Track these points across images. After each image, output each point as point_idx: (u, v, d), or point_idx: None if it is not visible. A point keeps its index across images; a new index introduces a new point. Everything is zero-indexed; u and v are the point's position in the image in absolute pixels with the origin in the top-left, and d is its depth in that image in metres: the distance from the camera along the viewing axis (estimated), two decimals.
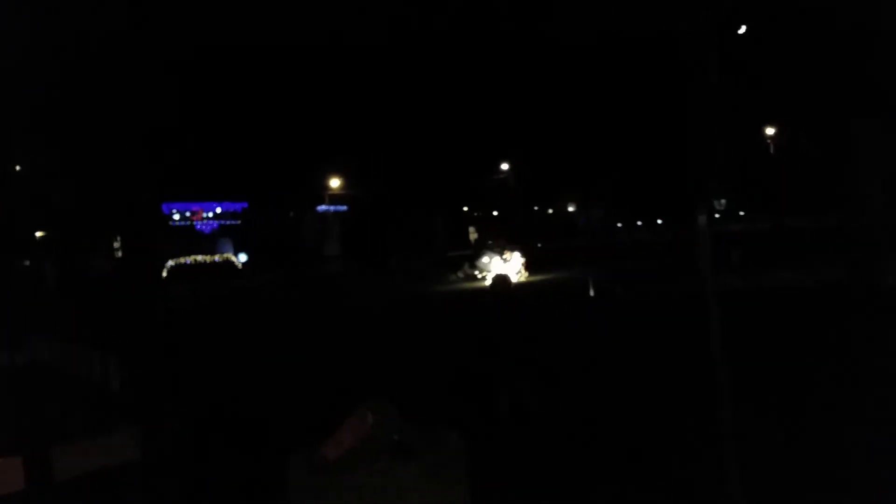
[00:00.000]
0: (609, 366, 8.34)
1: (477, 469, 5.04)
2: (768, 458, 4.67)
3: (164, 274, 45.51)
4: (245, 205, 61.65)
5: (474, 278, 26.03)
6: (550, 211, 66.60)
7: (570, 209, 63.85)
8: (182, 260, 47.69)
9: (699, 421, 5.45)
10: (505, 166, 53.90)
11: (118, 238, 45.34)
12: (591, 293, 16.65)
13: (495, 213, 65.03)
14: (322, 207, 53.86)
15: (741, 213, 58.73)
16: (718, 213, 60.46)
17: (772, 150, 44.22)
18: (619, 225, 63.08)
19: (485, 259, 26.89)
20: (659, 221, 59.09)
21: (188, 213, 61.50)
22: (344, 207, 58.94)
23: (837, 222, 18.81)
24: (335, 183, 53.40)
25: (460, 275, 27.39)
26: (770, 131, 43.88)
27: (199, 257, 51.58)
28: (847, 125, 13.33)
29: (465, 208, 65.89)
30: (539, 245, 44.38)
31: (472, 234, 66.07)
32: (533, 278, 24.99)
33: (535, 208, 68.00)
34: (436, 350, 10.18)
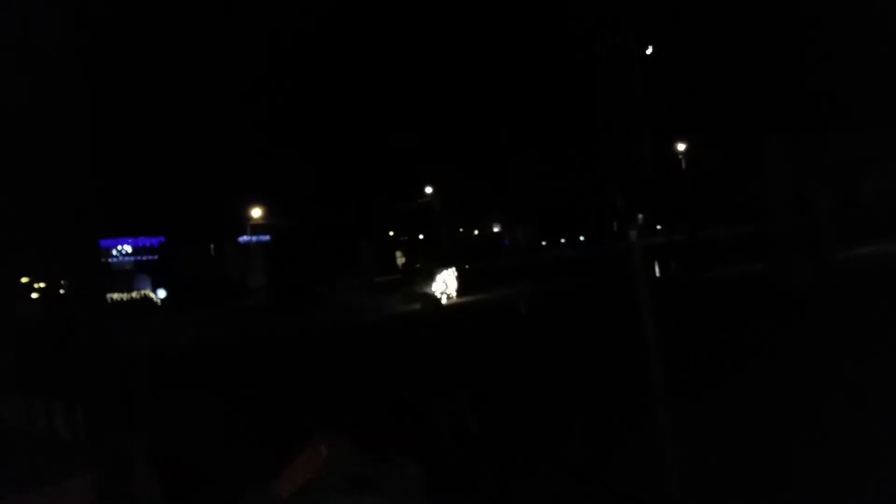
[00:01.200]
0: (546, 381, 8.31)
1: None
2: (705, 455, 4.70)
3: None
4: (161, 239, 59.46)
5: (414, 301, 25.72)
6: (476, 232, 67.18)
7: (496, 230, 64.63)
8: None
9: (637, 428, 5.48)
10: (429, 190, 54.10)
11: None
12: (523, 311, 16.76)
13: (421, 236, 65.06)
14: (244, 238, 52.50)
15: (658, 227, 60.94)
16: (637, 227, 62.46)
17: (684, 166, 46.23)
18: (544, 243, 64.26)
19: (425, 282, 26.69)
20: (581, 238, 60.62)
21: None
22: (267, 237, 57.63)
23: (752, 231, 19.76)
24: (256, 213, 52.19)
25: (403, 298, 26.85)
26: (681, 147, 45.90)
27: (115, 295, 49.41)
28: (758, 140, 14.02)
29: (392, 233, 65.64)
30: (467, 266, 44.56)
31: (400, 259, 65.97)
32: (463, 299, 25.00)
33: (461, 230, 68.46)
34: (374, 378, 9.90)
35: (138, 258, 59.46)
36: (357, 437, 2.63)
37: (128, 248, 59.24)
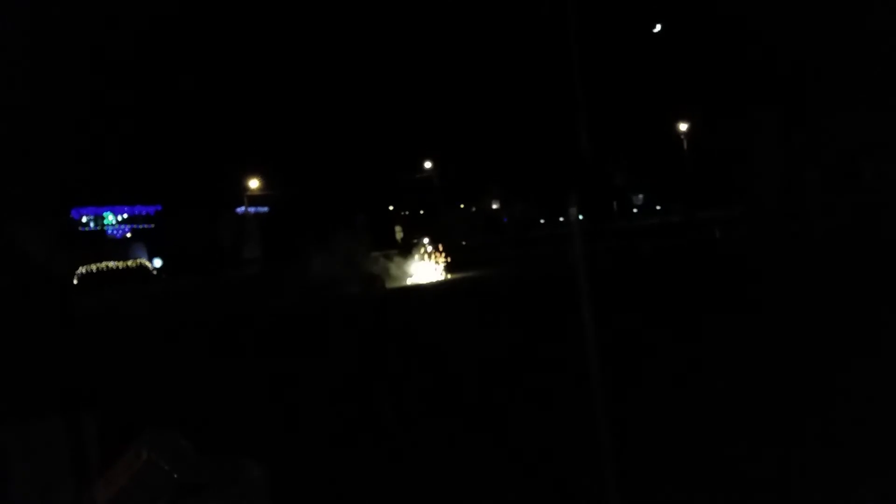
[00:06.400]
0: (502, 363, 8.05)
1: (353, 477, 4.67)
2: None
3: (75, 282, 42.97)
4: (158, 207, 59.21)
5: (393, 279, 25.46)
6: (474, 209, 66.68)
7: (494, 206, 64.15)
8: (93, 266, 45.29)
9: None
10: (428, 164, 53.61)
11: None
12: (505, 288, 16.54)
13: (422, 211, 64.65)
14: (241, 209, 52.27)
15: (658, 208, 60.50)
16: (636, 207, 62.26)
17: (685, 146, 45.61)
18: (542, 221, 63.83)
19: (403, 259, 26.48)
20: (580, 217, 60.15)
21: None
22: (264, 209, 57.39)
23: (743, 211, 19.56)
24: (254, 184, 51.90)
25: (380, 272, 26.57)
26: (683, 127, 45.23)
27: (112, 263, 49.32)
28: (746, 115, 13.70)
29: (391, 207, 65.24)
30: (464, 243, 44.27)
31: (399, 234, 65.88)
32: (455, 276, 24.77)
33: (462, 206, 67.99)
34: (325, 354, 9.63)
35: (135, 226, 59.32)
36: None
37: (124, 216, 59.10)
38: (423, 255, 26.81)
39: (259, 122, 68.85)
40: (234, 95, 73.13)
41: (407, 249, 28.70)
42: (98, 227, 58.06)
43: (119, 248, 54.80)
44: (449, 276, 25.17)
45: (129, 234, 59.30)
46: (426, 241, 27.84)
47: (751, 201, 14.28)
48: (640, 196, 59.87)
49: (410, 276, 25.16)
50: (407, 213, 65.22)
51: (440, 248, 27.08)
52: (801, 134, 13.51)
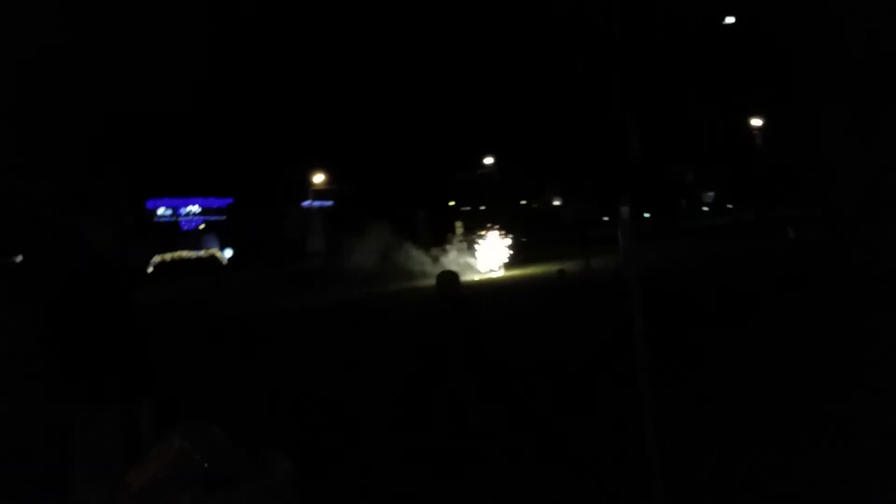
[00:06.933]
0: (561, 366, 7.96)
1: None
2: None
3: (150, 270, 44.85)
4: (230, 200, 61.05)
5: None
6: (535, 206, 66.20)
7: (555, 203, 63.50)
8: (167, 256, 47.13)
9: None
10: (489, 161, 53.44)
11: None
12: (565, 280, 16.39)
13: (482, 208, 64.50)
14: (306, 203, 53.39)
15: (729, 206, 58.64)
16: (706, 205, 60.48)
17: (759, 142, 43.93)
18: (606, 219, 62.70)
19: (463, 254, 26.51)
20: (646, 214, 58.77)
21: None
22: (329, 203, 58.40)
23: (820, 211, 18.81)
24: (319, 178, 52.86)
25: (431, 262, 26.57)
26: (757, 123, 43.61)
27: (185, 253, 51.15)
28: (823, 113, 13.14)
29: (452, 203, 65.32)
30: (524, 240, 44.02)
31: (459, 229, 65.57)
32: (514, 272, 24.70)
33: (522, 203, 67.54)
34: (389, 355, 9.71)
35: (208, 218, 61.33)
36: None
37: (196, 208, 61.21)
38: (482, 250, 26.83)
39: (326, 119, 70.13)
40: (303, 94, 74.74)
41: (467, 245, 28.76)
42: (173, 219, 60.35)
43: (192, 238, 56.76)
44: (508, 272, 25.10)
45: (202, 226, 61.33)
46: (486, 236, 27.83)
47: (829, 203, 13.73)
48: (711, 194, 58.18)
49: (470, 272, 25.18)
50: (468, 209, 65.19)
51: (499, 244, 27.03)
52: (881, 134, 12.89)
